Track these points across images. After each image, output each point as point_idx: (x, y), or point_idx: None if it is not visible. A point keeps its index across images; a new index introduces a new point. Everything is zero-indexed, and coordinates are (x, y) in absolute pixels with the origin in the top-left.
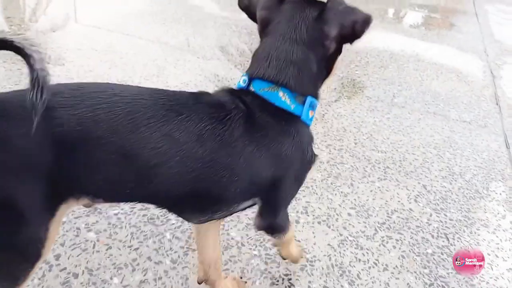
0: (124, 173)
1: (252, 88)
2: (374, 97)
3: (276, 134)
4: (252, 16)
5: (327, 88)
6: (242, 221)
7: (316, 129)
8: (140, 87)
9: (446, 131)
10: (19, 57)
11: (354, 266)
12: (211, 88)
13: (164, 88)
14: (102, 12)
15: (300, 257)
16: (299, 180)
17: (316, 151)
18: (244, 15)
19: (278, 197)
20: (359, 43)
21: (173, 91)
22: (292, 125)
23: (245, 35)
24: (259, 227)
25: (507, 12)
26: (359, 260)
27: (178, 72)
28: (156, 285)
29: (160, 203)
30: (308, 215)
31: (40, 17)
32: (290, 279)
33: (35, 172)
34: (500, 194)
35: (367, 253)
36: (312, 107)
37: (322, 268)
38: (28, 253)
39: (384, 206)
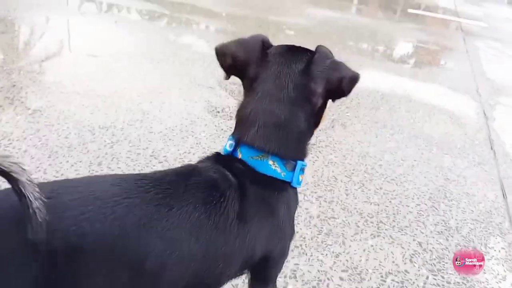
0: (116, 284)
1: (239, 154)
2: (365, 141)
3: (270, 208)
4: (237, 73)
5: (317, 133)
6: None
7: (306, 178)
8: (122, 177)
9: (440, 179)
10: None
11: None
12: (197, 132)
13: (148, 134)
14: (89, 50)
15: None
16: (286, 250)
17: (306, 204)
18: None
19: (269, 269)
20: None
21: (159, 175)
22: (283, 194)
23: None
24: None
25: (498, 48)
26: None
27: (163, 116)
28: None
29: None
30: (297, 280)
31: (24, 57)
32: None
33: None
34: (499, 251)
35: None
36: (302, 170)
37: None
38: None
39: (378, 268)
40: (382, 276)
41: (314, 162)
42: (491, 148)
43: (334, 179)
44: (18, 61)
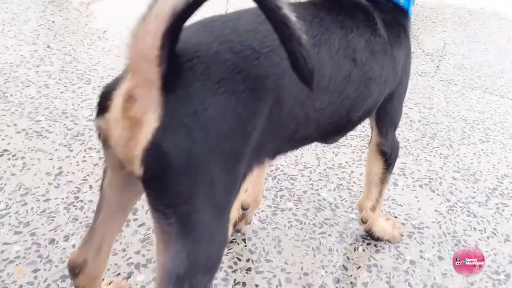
0: (304, 113)
1: None
2: (459, 54)
3: (405, 33)
4: None
5: None
6: (333, 181)
7: None
8: None
9: None
10: (75, 5)
11: (470, 236)
12: None
13: None
14: None
15: (399, 234)
16: (406, 89)
17: (404, 109)
18: None
19: (395, 107)
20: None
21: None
22: (406, 22)
23: None
24: (384, 147)
25: None
26: (474, 228)
27: None
28: (246, 245)
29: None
30: (406, 178)
31: None
32: (398, 247)
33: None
34: None
35: (482, 221)
36: (413, 0)
37: (433, 237)
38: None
39: (492, 171)
40: (498, 178)
41: None
42: None
43: (431, 87)
44: None
